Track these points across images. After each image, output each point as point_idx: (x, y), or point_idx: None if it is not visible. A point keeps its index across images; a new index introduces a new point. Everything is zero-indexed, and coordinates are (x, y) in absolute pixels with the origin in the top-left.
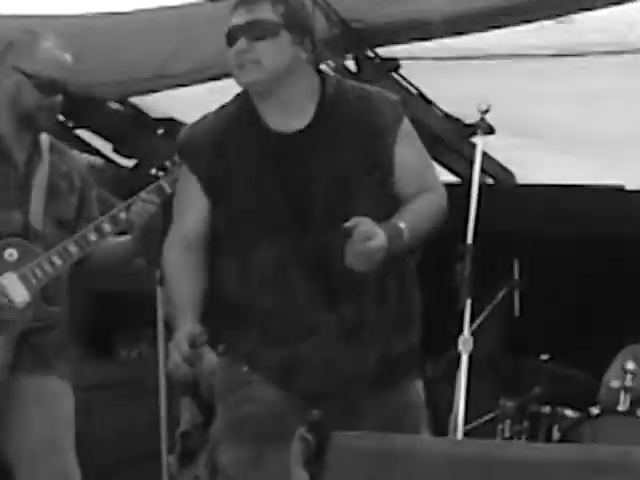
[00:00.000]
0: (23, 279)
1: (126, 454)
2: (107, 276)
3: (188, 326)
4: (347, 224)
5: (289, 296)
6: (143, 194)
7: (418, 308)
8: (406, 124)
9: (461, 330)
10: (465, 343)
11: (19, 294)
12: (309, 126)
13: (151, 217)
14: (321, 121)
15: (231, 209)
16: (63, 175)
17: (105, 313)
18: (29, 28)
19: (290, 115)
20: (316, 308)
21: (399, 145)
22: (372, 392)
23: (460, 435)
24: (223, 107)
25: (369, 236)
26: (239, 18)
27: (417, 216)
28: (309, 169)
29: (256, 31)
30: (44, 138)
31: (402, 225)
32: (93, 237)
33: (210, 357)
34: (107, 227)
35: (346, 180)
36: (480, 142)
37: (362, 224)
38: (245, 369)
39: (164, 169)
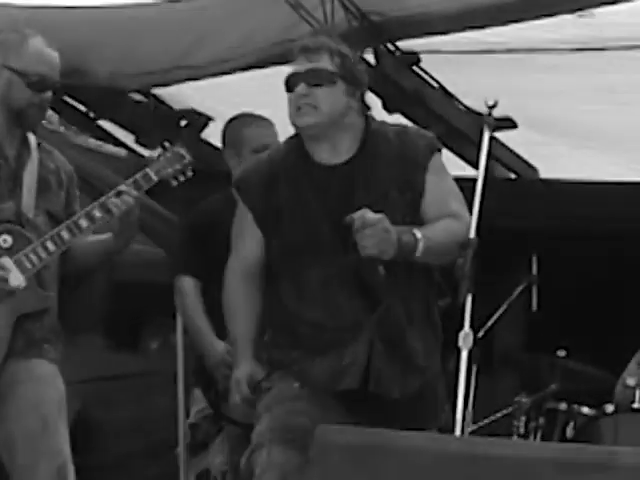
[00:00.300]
0: (18, 264)
1: (151, 444)
2: (135, 267)
3: (249, 366)
4: (347, 217)
5: (335, 311)
6: (122, 186)
7: (440, 334)
8: (438, 157)
9: (475, 327)
10: (465, 339)
11: (15, 278)
12: (352, 158)
13: (127, 210)
14: (363, 154)
15: (282, 239)
16: (52, 172)
17: (132, 304)
18: (40, 21)
19: (337, 152)
20: (358, 318)
21: (429, 174)
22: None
23: (459, 431)
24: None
25: (365, 213)
26: (300, 66)
27: (432, 230)
28: (350, 196)
29: (315, 78)
30: (31, 138)
31: (414, 229)
32: (84, 223)
33: (220, 345)
34: (97, 214)
35: (382, 202)
36: (487, 136)
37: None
38: (296, 385)
39: (163, 148)
